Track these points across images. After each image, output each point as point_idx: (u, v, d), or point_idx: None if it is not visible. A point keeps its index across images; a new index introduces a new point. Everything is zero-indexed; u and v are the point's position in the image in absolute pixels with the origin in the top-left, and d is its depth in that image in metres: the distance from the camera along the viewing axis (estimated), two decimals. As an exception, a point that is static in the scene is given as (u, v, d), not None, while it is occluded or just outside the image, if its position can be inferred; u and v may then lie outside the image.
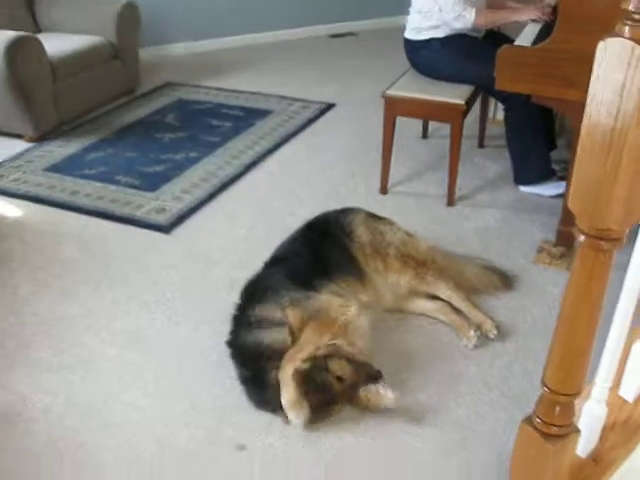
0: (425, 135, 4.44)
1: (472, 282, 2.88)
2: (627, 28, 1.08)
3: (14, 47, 4.16)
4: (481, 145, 4.30)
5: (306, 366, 2.23)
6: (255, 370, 2.36)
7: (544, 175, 3.58)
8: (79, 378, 2.53)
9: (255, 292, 2.60)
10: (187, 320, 2.82)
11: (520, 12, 3.56)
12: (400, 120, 3.66)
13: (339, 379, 2.27)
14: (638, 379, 1.78)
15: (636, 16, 1.07)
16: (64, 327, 2.78)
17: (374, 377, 2.28)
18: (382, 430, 2.27)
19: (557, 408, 1.50)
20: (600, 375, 1.62)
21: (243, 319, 2.51)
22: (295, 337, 2.39)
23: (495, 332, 2.65)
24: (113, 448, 2.23)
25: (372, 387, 2.28)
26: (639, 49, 1.07)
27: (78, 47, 4.74)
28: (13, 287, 3.04)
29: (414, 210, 3.60)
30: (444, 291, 2.76)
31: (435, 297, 2.79)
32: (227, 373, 2.47)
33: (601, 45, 1.12)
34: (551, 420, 1.52)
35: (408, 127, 4.18)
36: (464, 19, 3.46)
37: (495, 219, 3.49)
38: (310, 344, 2.30)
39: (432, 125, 4.42)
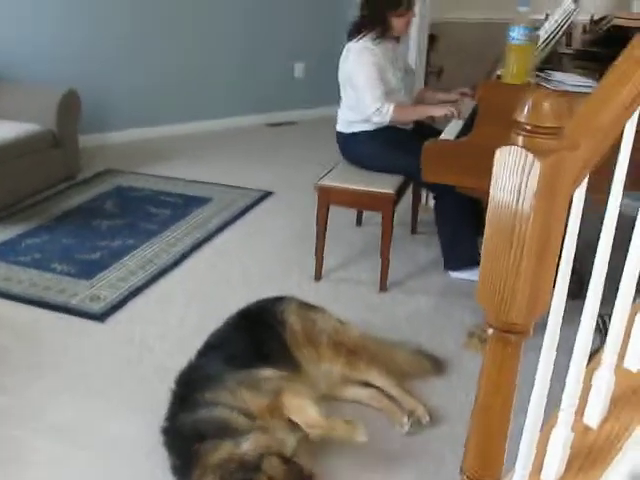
0: (359, 222, 4.55)
1: (404, 368, 2.92)
2: (520, 137, 1.17)
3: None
4: (414, 231, 4.42)
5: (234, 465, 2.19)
6: (187, 457, 2.29)
7: (472, 261, 3.67)
8: (7, 474, 2.46)
9: (194, 380, 2.59)
10: (118, 411, 2.78)
11: (434, 109, 3.75)
12: (335, 208, 3.76)
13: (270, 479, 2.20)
14: (557, 465, 1.82)
15: (527, 127, 1.16)
16: (-9, 420, 2.73)
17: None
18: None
19: (476, 496, 1.53)
20: (519, 462, 1.66)
21: (181, 407, 2.48)
22: (254, 418, 2.36)
23: (427, 418, 2.68)
24: None
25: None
26: (531, 156, 1.16)
27: (17, 135, 4.72)
28: (-61, 379, 2.97)
29: (347, 296, 3.66)
30: (376, 378, 2.79)
31: (368, 384, 2.81)
32: (157, 464, 2.43)
33: (498, 152, 1.21)
34: (471, 508, 1.55)
35: (343, 215, 4.27)
36: (381, 114, 3.63)
37: (427, 304, 3.57)
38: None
39: (366, 212, 4.52)
